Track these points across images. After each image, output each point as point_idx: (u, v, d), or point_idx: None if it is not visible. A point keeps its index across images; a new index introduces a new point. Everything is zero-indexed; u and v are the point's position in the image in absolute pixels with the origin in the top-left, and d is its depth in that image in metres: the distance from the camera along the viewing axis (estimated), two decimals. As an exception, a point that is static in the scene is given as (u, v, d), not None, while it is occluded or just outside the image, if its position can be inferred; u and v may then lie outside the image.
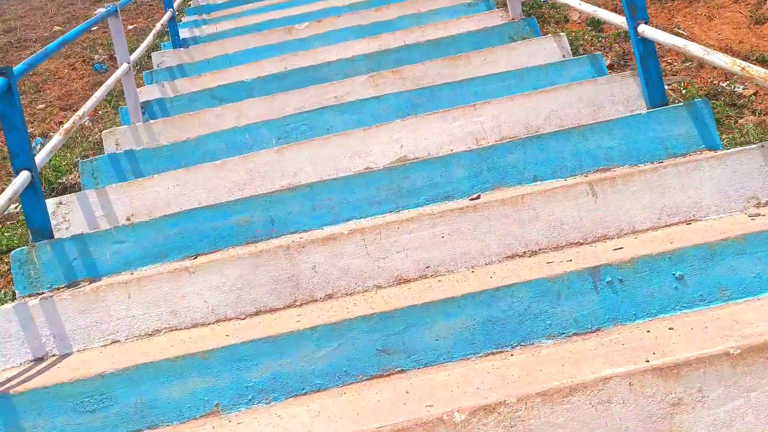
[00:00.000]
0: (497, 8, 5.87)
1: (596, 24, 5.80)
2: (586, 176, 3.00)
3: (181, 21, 7.49)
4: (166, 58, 6.20)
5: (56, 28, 10.47)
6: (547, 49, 4.48)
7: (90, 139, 5.53)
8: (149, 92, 5.30)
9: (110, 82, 4.42)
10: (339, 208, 3.00)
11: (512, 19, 5.09)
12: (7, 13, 13.04)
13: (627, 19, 3.22)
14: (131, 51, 5.15)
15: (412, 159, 3.41)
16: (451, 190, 3.04)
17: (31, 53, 9.21)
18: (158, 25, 6.13)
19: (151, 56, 6.24)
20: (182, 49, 6.33)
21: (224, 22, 7.19)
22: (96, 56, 8.33)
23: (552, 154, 3.06)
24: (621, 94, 3.52)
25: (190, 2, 8.54)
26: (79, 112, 3.86)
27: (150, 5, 10.94)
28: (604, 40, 5.04)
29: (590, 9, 4.00)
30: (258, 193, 3.31)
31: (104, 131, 4.53)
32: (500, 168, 3.05)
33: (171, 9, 6.54)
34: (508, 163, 3.06)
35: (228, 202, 3.06)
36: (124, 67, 4.70)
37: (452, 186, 3.04)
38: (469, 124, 3.47)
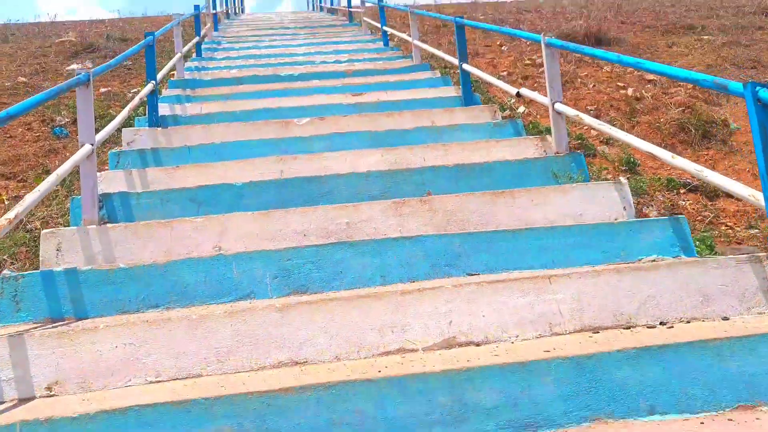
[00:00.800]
0: (528, 134, 5.13)
1: (631, 165, 5.14)
2: (723, 413, 2.08)
3: (161, 94, 6.55)
4: (140, 137, 5.20)
5: (20, 78, 9.42)
6: (606, 197, 3.67)
7: (28, 226, 4.42)
8: (112, 180, 4.27)
9: (66, 167, 3.38)
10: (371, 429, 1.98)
11: (556, 152, 4.30)
12: (-29, 54, 11.96)
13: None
14: (99, 120, 4.15)
15: (464, 342, 2.44)
16: (534, 417, 2.06)
17: (-15, 103, 8.17)
18: (136, 99, 5.15)
19: (120, 130, 5.23)
20: (160, 128, 5.35)
21: (211, 103, 6.27)
22: (58, 117, 7.28)
23: (675, 377, 2.13)
24: (735, 284, 2.66)
25: (173, 73, 7.63)
26: (17, 210, 2.79)
27: (128, 69, 10.06)
28: (667, 193, 4.28)
29: (663, 154, 3.22)
30: (247, 368, 2.28)
31: (44, 231, 3.44)
32: (605, 388, 2.10)
33: (153, 81, 5.60)
34: (616, 382, 2.11)
35: (203, 399, 2.00)
36: (86, 149, 3.65)
37: (536, 410, 2.06)
38: (541, 303, 2.54)
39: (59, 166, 3.45)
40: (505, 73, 8.49)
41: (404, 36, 8.79)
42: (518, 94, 4.89)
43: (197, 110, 6.11)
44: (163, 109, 6.01)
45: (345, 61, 8.32)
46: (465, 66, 5.86)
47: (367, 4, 11.78)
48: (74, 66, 10.16)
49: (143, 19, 17.81)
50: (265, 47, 9.91)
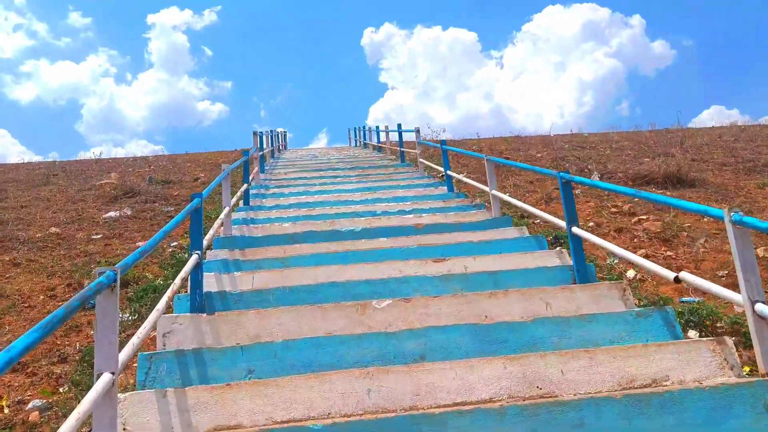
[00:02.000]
0: (689, 330, 3.83)
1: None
2: None
3: (205, 256, 5.47)
4: (179, 327, 4.02)
5: (53, 229, 8.55)
6: None
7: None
8: (137, 410, 3.03)
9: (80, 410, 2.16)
10: None
11: (765, 374, 2.97)
12: (8, 198, 11.30)
13: None
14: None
15: None
16: None
17: (10, 260, 7.19)
18: (177, 280, 4.00)
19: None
20: (204, 315, 4.17)
21: (265, 272, 5.14)
22: (87, 281, 6.21)
23: None
24: None
25: (220, 230, 6.62)
26: None
27: (168, 216, 9.16)
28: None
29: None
30: None
31: None
32: None
33: (198, 253, 4.50)
34: None
35: None
36: (104, 381, 2.46)
37: None
38: None
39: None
40: (591, 224, 7.33)
41: (471, 182, 7.77)
42: (677, 279, 3.63)
43: (248, 284, 4.97)
44: (209, 282, 4.90)
45: (410, 212, 7.26)
46: (576, 230, 4.68)
47: (418, 143, 10.96)
48: (111, 215, 9.33)
49: (187, 157, 17.46)
50: (317, 192, 8.97)
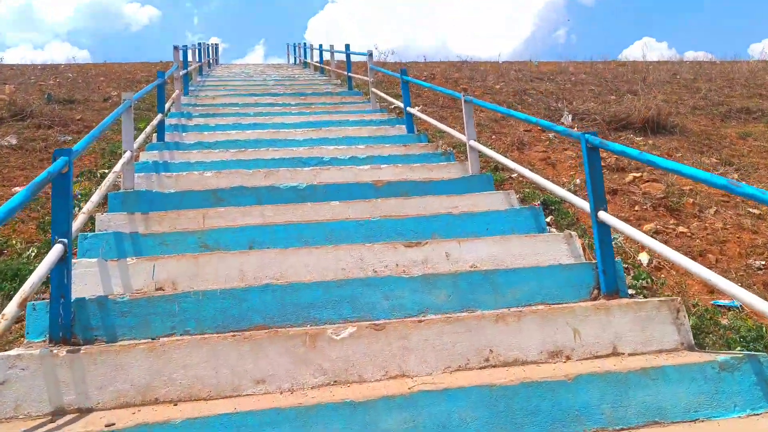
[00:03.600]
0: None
1: None
2: None
3: (90, 232, 3.82)
4: (18, 376, 2.46)
5: None
6: None
7: None
8: None
9: None
10: None
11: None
12: None
13: None
14: None
15: None
16: None
17: None
18: (12, 302, 2.40)
19: None
20: (64, 352, 2.60)
21: (171, 259, 3.55)
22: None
23: None
24: None
25: (120, 181, 4.89)
26: None
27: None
28: None
29: None
30: None
31: None
32: None
33: (63, 243, 2.86)
34: None
35: None
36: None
37: None
38: None
39: None
40: (578, 181, 6.00)
41: (442, 126, 6.23)
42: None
43: (145, 279, 3.40)
44: (85, 274, 3.31)
45: (365, 160, 5.70)
46: (604, 216, 3.28)
47: (370, 68, 9.22)
48: None
49: (103, 68, 14.96)
50: (250, 126, 7.22)
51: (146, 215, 4.31)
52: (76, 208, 4.26)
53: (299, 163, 5.65)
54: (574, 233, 3.85)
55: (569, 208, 5.05)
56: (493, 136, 7.74)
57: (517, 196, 4.88)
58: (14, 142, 7.30)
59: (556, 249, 3.76)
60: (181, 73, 8.65)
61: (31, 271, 3.82)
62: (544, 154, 6.90)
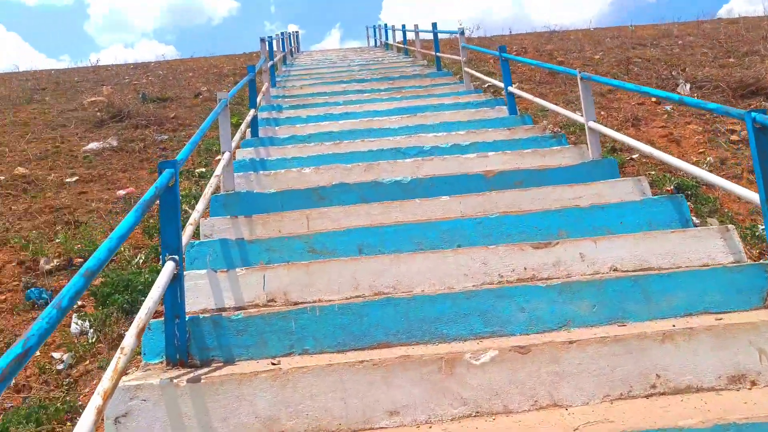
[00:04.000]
0: None
1: None
2: None
3: (196, 241, 3.70)
4: (139, 407, 2.31)
5: (19, 169, 6.71)
6: None
7: None
8: None
9: None
10: None
11: None
12: None
13: None
14: None
15: None
16: None
17: None
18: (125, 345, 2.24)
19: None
20: (183, 381, 2.44)
21: (279, 268, 3.38)
22: (41, 261, 4.46)
23: None
24: None
25: (220, 184, 4.78)
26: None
27: (162, 149, 7.24)
28: None
29: None
30: None
31: None
32: None
33: (174, 260, 2.71)
34: None
35: None
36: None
37: None
38: None
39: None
40: (711, 160, 5.37)
41: (551, 106, 5.75)
42: None
43: (255, 291, 3.22)
44: (197, 290, 3.17)
45: (469, 147, 5.33)
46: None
47: (462, 47, 8.77)
48: (93, 145, 7.43)
49: (190, 63, 15.25)
50: (342, 117, 7.00)
51: (249, 218, 4.15)
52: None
53: (399, 154, 5.35)
54: (731, 227, 3.34)
55: (709, 192, 4.49)
56: (602, 112, 7.14)
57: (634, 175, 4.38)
58: (115, 143, 7.43)
59: (710, 246, 3.28)
60: (269, 65, 8.54)
61: (142, 284, 3.75)
62: (665, 130, 6.27)
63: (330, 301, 3.19)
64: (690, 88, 7.80)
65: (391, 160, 5.07)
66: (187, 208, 5.35)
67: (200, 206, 3.51)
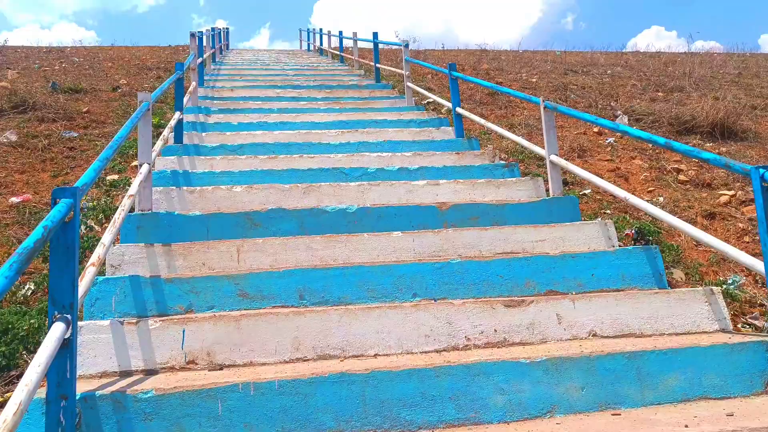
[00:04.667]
0: None
1: None
2: None
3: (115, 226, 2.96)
4: None
5: None
6: None
7: None
8: None
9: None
10: None
11: None
12: None
13: None
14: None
15: None
16: None
17: None
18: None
19: None
20: None
21: (203, 322, 2.71)
22: None
23: None
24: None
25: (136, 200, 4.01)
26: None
27: (70, 149, 6.25)
28: None
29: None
30: None
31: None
32: None
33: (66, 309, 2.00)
34: None
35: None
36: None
37: None
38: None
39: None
40: (661, 200, 5.11)
41: (510, 135, 5.32)
42: None
43: (170, 349, 2.55)
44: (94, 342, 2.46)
45: (417, 173, 4.81)
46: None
47: (406, 60, 8.29)
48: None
49: (111, 52, 13.98)
50: (277, 126, 6.32)
51: (168, 248, 3.44)
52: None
53: (341, 176, 4.76)
54: (716, 289, 2.97)
55: (670, 239, 4.18)
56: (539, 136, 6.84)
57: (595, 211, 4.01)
58: (14, 138, 6.41)
59: (695, 311, 2.90)
60: (198, 61, 7.72)
61: (26, 330, 2.97)
62: (611, 164, 6.01)
63: (264, 364, 2.57)
64: (628, 120, 7.66)
65: (333, 183, 4.47)
66: (92, 224, 4.54)
67: (107, 238, 2.78)
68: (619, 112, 7.93)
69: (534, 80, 10.56)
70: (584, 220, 4.17)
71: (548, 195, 4.38)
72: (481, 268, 3.24)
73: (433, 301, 3.03)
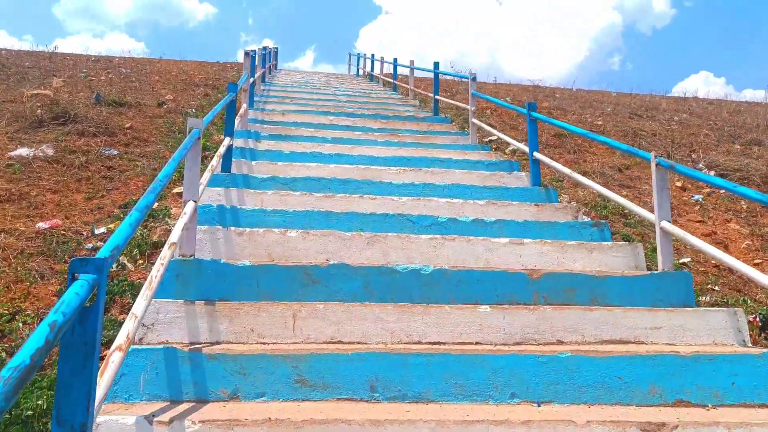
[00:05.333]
0: None
1: None
2: None
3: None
4: None
5: None
6: None
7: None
8: None
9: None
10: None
11: None
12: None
13: None
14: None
15: None
16: None
17: None
18: None
19: None
20: None
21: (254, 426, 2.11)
22: None
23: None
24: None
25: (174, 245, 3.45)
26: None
27: (108, 169, 5.79)
28: None
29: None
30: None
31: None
32: None
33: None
34: None
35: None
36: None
37: None
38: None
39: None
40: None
41: (585, 181, 4.68)
42: None
43: None
44: None
45: (494, 227, 4.18)
46: None
47: (472, 95, 7.73)
48: (22, 151, 5.95)
49: (158, 65, 13.76)
50: (332, 158, 5.77)
51: (212, 307, 2.87)
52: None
53: (408, 225, 4.16)
54: None
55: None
56: (623, 192, 6.16)
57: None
58: (50, 152, 5.98)
59: None
60: (249, 82, 7.26)
61: (33, 409, 2.39)
62: (705, 227, 5.30)
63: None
64: (713, 175, 6.94)
65: (401, 234, 3.87)
66: (125, 261, 4.00)
67: (140, 307, 2.20)
68: (701, 165, 7.21)
69: (599, 123, 9.89)
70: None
71: (645, 265, 3.71)
72: (595, 367, 2.58)
73: (536, 406, 2.39)
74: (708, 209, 5.75)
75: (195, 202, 3.33)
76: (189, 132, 3.42)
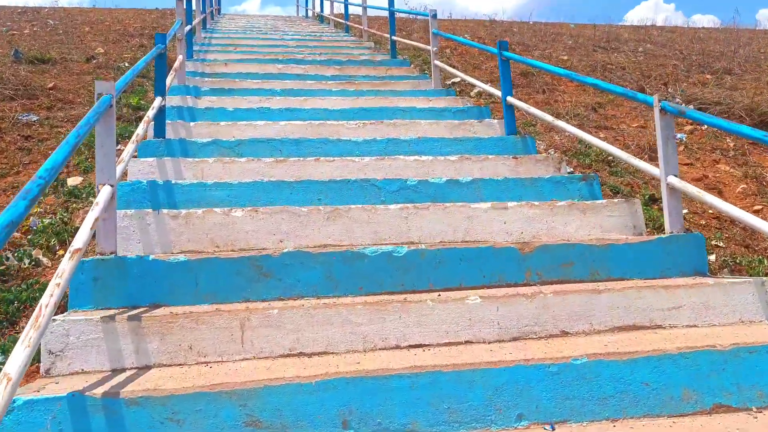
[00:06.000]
0: None
1: None
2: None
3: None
4: None
5: None
6: None
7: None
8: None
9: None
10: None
11: None
12: None
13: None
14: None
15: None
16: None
17: None
18: None
19: None
20: None
21: None
22: None
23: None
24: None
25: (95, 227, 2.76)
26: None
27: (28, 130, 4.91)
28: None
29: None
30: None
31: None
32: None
33: None
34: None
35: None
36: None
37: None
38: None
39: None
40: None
41: (572, 129, 4.12)
42: None
43: None
44: None
45: (471, 188, 3.60)
46: None
47: (433, 34, 7.01)
48: None
49: (91, 14, 12.45)
50: (282, 113, 5.04)
51: (137, 322, 2.24)
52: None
53: (373, 191, 3.55)
54: None
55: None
56: (601, 134, 5.63)
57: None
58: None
59: None
60: (186, 29, 6.37)
61: None
62: (694, 170, 4.82)
63: None
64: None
65: (365, 206, 3.25)
66: (40, 257, 3.30)
67: (43, 319, 1.55)
68: (678, 99, 6.71)
69: (565, 57, 9.28)
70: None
71: (645, 227, 3.21)
72: (616, 372, 2.07)
73: (549, 429, 1.87)
74: (693, 149, 5.28)
75: (112, 186, 2.63)
76: (97, 98, 2.68)
